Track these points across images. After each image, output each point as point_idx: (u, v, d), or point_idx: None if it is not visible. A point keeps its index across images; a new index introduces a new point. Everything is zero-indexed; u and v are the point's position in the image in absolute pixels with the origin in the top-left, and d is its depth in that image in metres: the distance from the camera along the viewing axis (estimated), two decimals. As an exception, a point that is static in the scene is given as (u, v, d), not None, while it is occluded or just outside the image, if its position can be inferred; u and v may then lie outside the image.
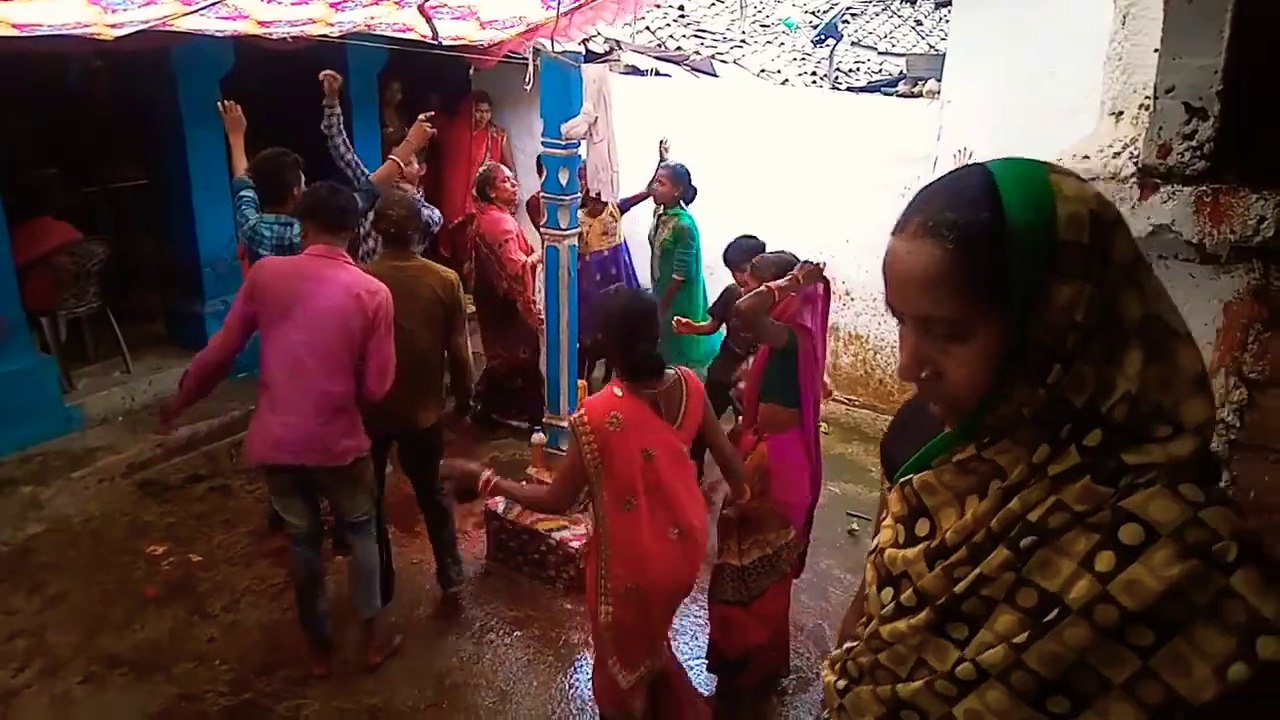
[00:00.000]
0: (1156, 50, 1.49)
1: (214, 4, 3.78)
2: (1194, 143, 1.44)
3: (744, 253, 4.21)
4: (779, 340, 3.14)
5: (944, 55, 5.84)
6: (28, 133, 6.19)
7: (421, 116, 4.42)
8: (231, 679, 3.57)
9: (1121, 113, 1.63)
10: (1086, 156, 1.66)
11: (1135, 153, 1.58)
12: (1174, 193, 1.45)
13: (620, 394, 2.73)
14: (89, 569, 4.21)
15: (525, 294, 5.26)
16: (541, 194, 4.21)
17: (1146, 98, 1.55)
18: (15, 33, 3.47)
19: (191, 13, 3.87)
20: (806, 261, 3.23)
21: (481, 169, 5.57)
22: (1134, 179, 1.56)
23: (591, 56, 6.96)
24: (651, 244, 5.43)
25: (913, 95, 6.21)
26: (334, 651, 3.64)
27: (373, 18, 4.61)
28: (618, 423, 2.66)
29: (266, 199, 4.02)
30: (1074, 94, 3.89)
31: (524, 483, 4.42)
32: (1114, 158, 1.61)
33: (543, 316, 4.51)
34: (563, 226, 4.13)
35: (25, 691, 3.43)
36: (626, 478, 2.68)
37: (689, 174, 5.31)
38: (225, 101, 4.30)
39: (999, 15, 5.06)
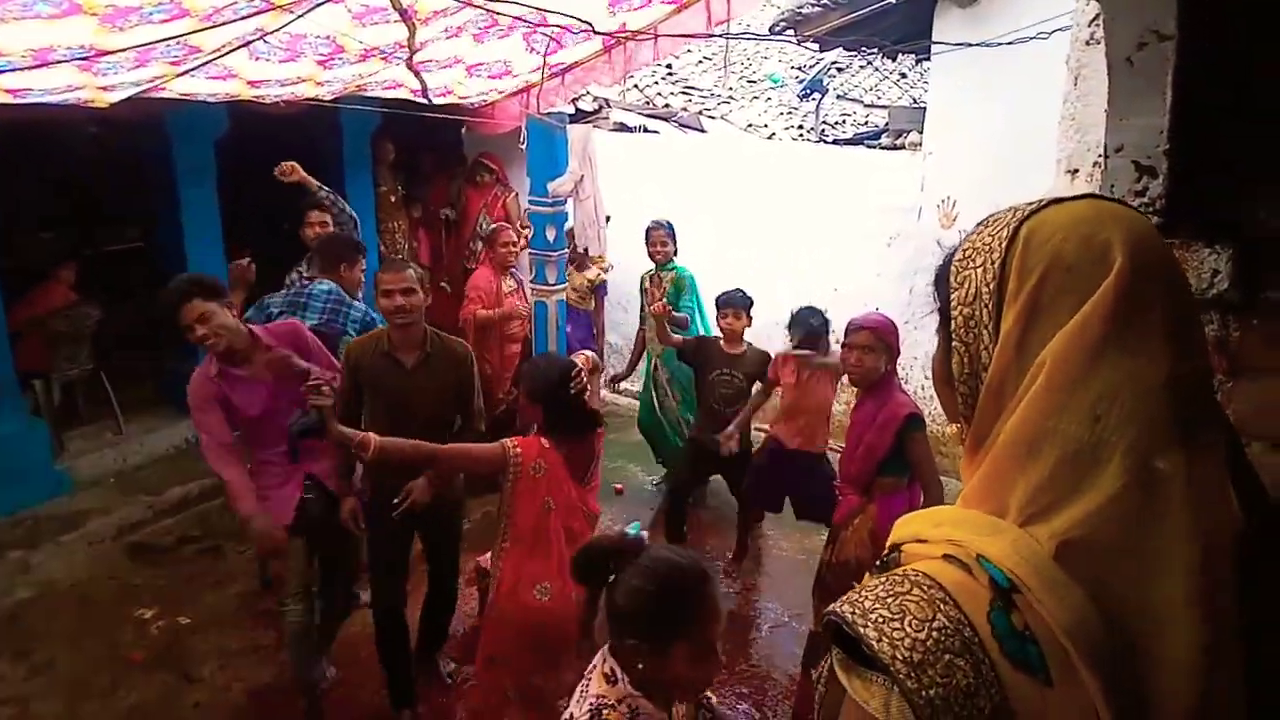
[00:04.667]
0: (1105, 110, 1.54)
1: (204, 64, 3.87)
2: (1146, 199, 1.48)
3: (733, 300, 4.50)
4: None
5: (925, 108, 5.96)
6: (23, 196, 6.28)
7: (241, 262, 4.26)
8: (219, 746, 3.52)
9: (1077, 170, 1.68)
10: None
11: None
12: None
13: (546, 445, 2.92)
14: (76, 635, 4.16)
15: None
16: (529, 250, 4.27)
17: (1099, 156, 1.59)
18: (9, 99, 3.55)
19: (183, 74, 3.96)
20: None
21: (491, 227, 5.63)
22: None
23: (580, 115, 7.10)
24: (644, 302, 5.46)
25: (896, 147, 6.33)
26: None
27: (361, 75, 4.71)
28: (540, 469, 2.88)
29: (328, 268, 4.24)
30: (1047, 147, 3.97)
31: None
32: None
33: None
34: (550, 282, 4.19)
35: (8, 763, 3.38)
36: (525, 520, 2.89)
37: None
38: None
39: (975, 70, 5.18)
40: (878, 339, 3.22)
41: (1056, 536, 0.79)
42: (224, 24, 3.06)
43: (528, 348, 5.44)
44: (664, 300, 5.15)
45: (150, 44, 3.14)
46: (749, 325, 4.65)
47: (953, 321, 0.91)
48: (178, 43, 3.19)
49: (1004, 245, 0.88)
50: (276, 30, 3.43)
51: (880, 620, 0.81)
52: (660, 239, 5.29)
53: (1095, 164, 1.61)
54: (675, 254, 5.39)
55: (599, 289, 5.99)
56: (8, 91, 3.48)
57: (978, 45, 4.87)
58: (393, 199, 7.28)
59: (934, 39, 5.43)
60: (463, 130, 7.11)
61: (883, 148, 6.48)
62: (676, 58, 8.89)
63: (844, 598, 0.86)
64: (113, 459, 5.47)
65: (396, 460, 2.92)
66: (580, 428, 3.05)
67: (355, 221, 4.78)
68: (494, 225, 5.71)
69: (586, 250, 4.73)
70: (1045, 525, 0.80)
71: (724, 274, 5.94)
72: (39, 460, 5.12)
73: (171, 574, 4.70)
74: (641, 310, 5.50)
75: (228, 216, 6.00)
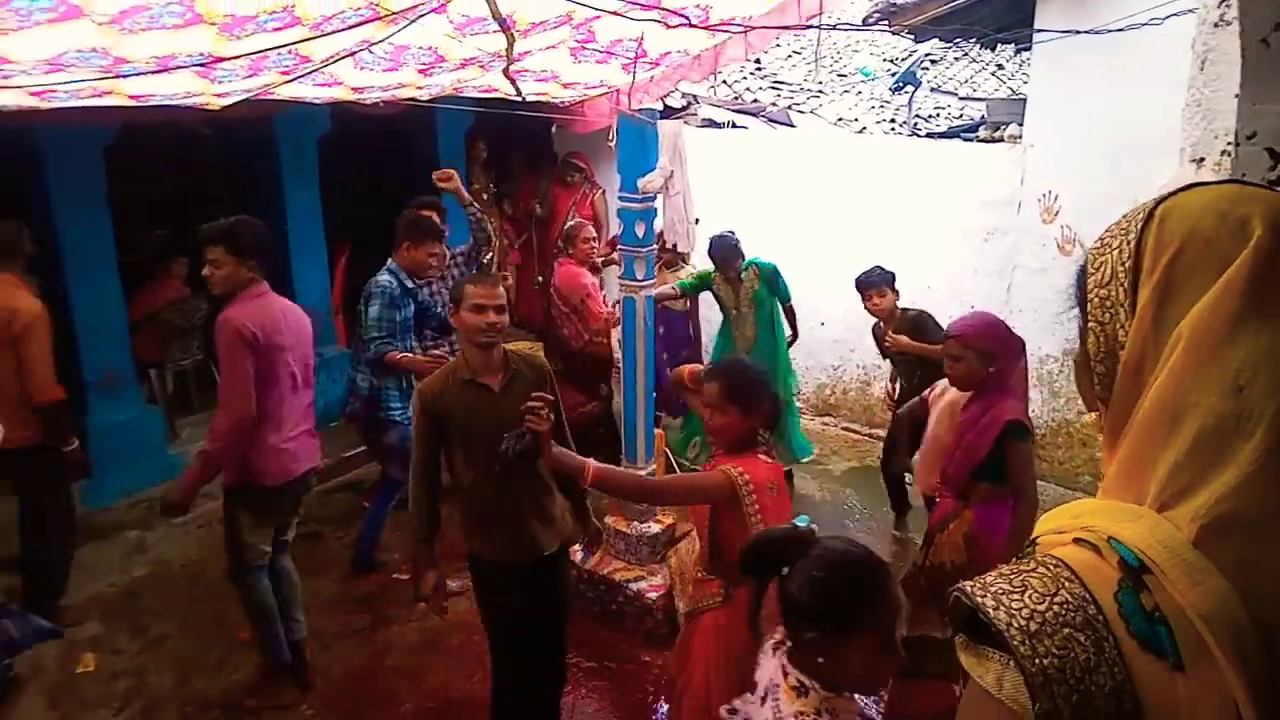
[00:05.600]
0: (1237, 96, 1.46)
1: (312, 72, 4.02)
2: (1280, 189, 1.40)
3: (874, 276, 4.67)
4: None
5: (1025, 100, 5.77)
6: (139, 196, 6.60)
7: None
8: (317, 724, 3.66)
9: (1203, 159, 1.60)
10: (1167, 204, 1.62)
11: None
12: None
13: (768, 461, 2.69)
14: (187, 612, 4.38)
15: (608, 345, 5.34)
16: (619, 246, 4.29)
17: (1228, 144, 1.51)
18: (131, 103, 3.75)
19: (291, 81, 4.12)
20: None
21: (568, 225, 5.70)
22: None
23: (669, 111, 7.10)
24: (728, 309, 5.42)
25: (994, 140, 6.13)
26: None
27: (460, 81, 4.81)
28: (774, 488, 2.62)
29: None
30: (1158, 137, 3.79)
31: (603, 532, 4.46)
32: (1196, 205, 1.57)
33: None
34: (639, 278, 4.19)
35: (125, 731, 3.58)
36: None
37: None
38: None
39: (1079, 59, 4.98)
40: (964, 346, 3.13)
41: (1198, 519, 0.76)
42: (332, 33, 3.16)
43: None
44: (751, 297, 5.15)
45: (263, 51, 3.26)
46: (897, 298, 4.73)
47: (1089, 304, 0.89)
48: (289, 52, 3.31)
49: (1140, 225, 0.86)
50: (381, 41, 3.53)
51: (1000, 592, 0.81)
52: (737, 266, 5.23)
53: (1224, 152, 1.53)
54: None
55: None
56: (131, 96, 3.68)
57: (1085, 32, 4.68)
58: (485, 196, 7.43)
59: (1036, 27, 5.25)
60: (552, 129, 7.19)
61: (980, 140, 6.29)
62: (765, 52, 8.80)
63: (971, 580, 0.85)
64: (220, 446, 5.72)
65: (613, 489, 2.86)
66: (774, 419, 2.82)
67: (489, 237, 4.98)
68: (572, 223, 5.73)
69: (676, 246, 4.72)
70: (1186, 506, 0.77)
71: (814, 271, 5.89)
72: (155, 445, 5.41)
73: (274, 557, 4.89)
74: (723, 308, 5.47)
75: (329, 211, 6.21)
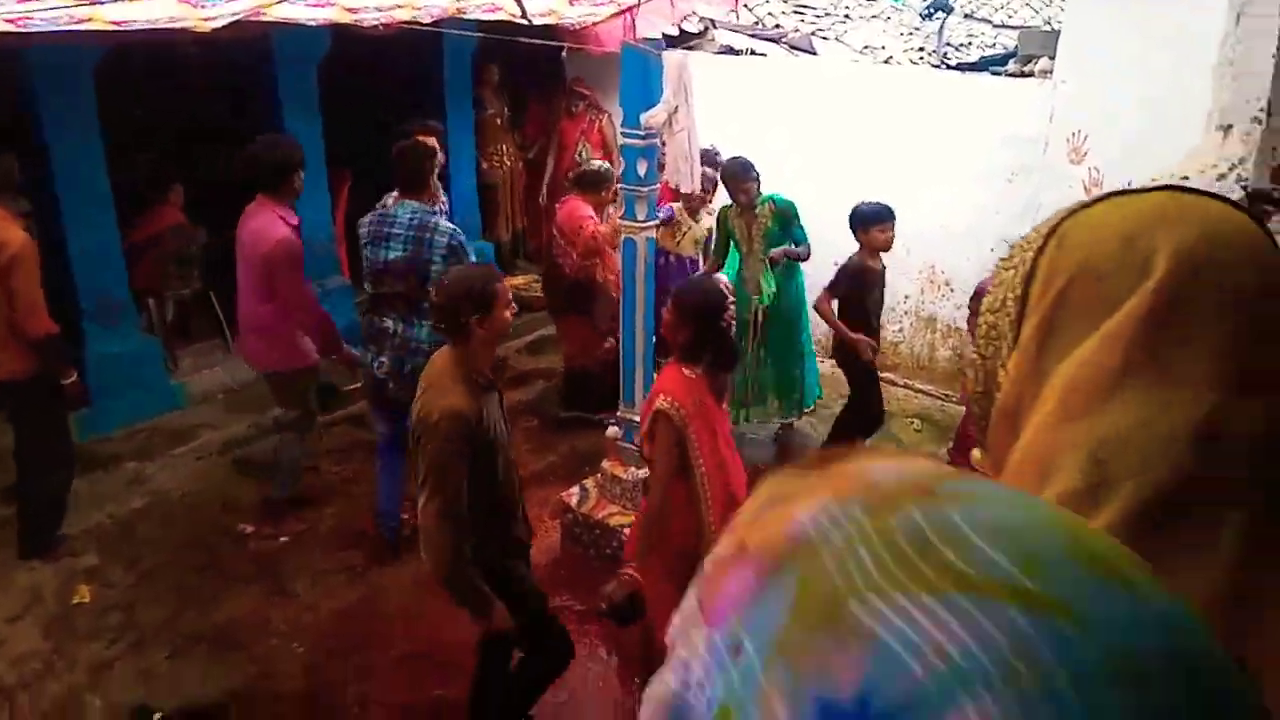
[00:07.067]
0: (1275, 56, 1.28)
1: (302, -7, 3.83)
2: (1314, 166, 1.23)
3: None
4: None
5: (1059, 33, 5.45)
6: (132, 121, 6.45)
7: None
8: (307, 661, 3.67)
9: (1230, 126, 1.43)
10: (1186, 177, 1.45)
11: (1244, 175, 1.37)
12: (1286, 224, 1.25)
13: (693, 375, 2.87)
14: (183, 545, 4.39)
15: (604, 266, 5.17)
16: (619, 185, 4.12)
17: (1260, 110, 1.34)
18: (111, 28, 3.60)
19: (281, 1, 3.94)
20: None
21: (599, 166, 5.47)
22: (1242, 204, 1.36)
23: (686, 36, 6.80)
24: (739, 244, 5.20)
25: (1024, 74, 5.83)
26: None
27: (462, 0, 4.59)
28: (699, 402, 2.82)
29: (410, 186, 4.11)
30: (1195, 76, 3.54)
31: (599, 476, 4.42)
32: (1218, 180, 1.41)
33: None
34: (640, 218, 4.03)
35: (116, 664, 3.62)
36: (709, 458, 2.85)
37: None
38: None
39: (1120, -7, 4.67)
40: None
41: None
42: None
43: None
44: (763, 235, 4.97)
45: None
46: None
47: (977, 331, 0.76)
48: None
49: (1038, 245, 0.71)
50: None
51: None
52: (745, 189, 4.97)
53: (1254, 119, 1.36)
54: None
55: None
56: (111, 22, 3.53)
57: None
58: (499, 121, 7.23)
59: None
60: (563, 54, 6.92)
61: (1009, 75, 5.98)
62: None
63: None
64: (221, 376, 5.70)
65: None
66: (728, 361, 3.08)
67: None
68: (599, 165, 5.48)
69: (678, 186, 4.51)
70: None
71: (825, 208, 5.66)
72: (154, 375, 5.37)
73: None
74: (735, 244, 5.27)
75: (330, 138, 6.04)
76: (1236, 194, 1.37)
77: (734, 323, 3.05)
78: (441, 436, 2.57)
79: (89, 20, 3.49)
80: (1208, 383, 0.62)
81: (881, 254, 4.73)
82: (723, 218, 5.22)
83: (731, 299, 3.05)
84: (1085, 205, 0.71)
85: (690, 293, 3.04)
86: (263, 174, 4.06)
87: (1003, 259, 0.76)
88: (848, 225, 4.70)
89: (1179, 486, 0.61)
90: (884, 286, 4.84)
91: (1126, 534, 0.60)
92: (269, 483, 4.71)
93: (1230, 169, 1.36)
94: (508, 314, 2.76)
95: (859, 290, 4.70)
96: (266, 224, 4.02)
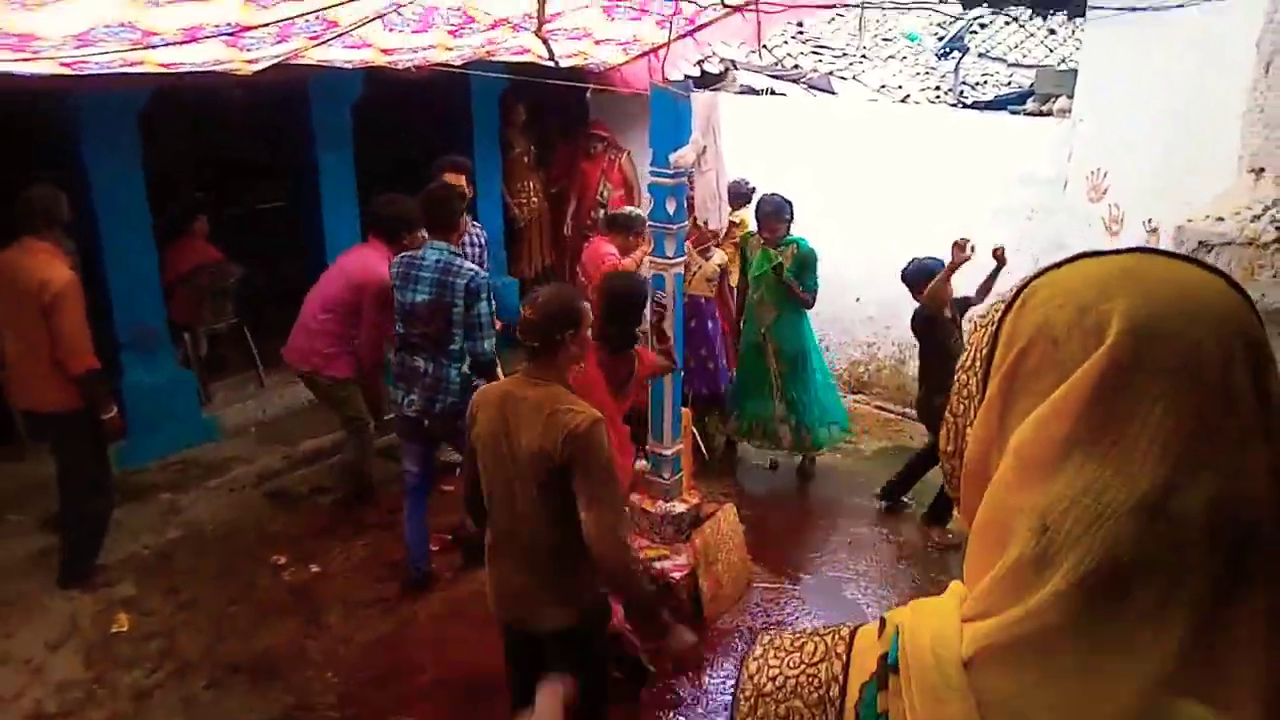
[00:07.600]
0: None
1: (341, 35, 3.97)
2: (1347, 214, 1.31)
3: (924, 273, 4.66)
4: None
5: (1076, 71, 5.56)
6: (175, 158, 6.62)
7: None
8: (342, 691, 3.72)
9: (1263, 170, 1.50)
10: (1221, 218, 1.53)
11: (1278, 216, 1.45)
12: (1322, 267, 1.32)
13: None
14: (219, 575, 4.46)
15: None
16: (649, 222, 4.23)
17: (1293, 158, 1.42)
18: (161, 70, 3.74)
19: (320, 44, 4.09)
20: None
21: (630, 211, 5.47)
22: (1275, 245, 1.43)
23: (706, 77, 6.94)
24: (754, 277, 5.30)
25: (1042, 113, 5.93)
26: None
27: (491, 42, 4.74)
28: (580, 368, 3.14)
29: (438, 227, 4.13)
30: (1219, 117, 3.63)
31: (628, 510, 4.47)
32: (1253, 221, 1.48)
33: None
34: (669, 255, 4.12)
35: (156, 692, 3.67)
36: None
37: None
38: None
39: (1137, 30, 4.77)
40: None
41: (978, 642, 0.67)
42: (359, -2, 3.11)
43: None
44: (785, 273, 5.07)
45: (291, 19, 3.22)
46: None
47: (953, 387, 0.78)
48: (316, 18, 3.27)
49: (1005, 306, 0.72)
50: (410, 3, 3.47)
51: (778, 647, 0.80)
52: (776, 229, 5.10)
53: (1287, 166, 1.44)
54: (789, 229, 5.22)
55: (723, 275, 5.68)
56: (161, 65, 3.67)
57: (1143, 10, 4.47)
58: (525, 159, 7.36)
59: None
60: (587, 95, 7.08)
61: (1026, 113, 6.08)
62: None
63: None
64: (254, 409, 5.80)
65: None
66: (622, 344, 3.57)
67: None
68: (634, 212, 5.51)
69: (707, 223, 4.62)
70: (979, 626, 0.68)
71: (845, 246, 5.78)
72: (188, 408, 5.47)
73: (305, 523, 4.96)
74: (744, 271, 5.37)
75: (362, 175, 6.19)
76: (1271, 234, 1.45)
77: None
78: (600, 444, 2.50)
79: (141, 63, 3.63)
80: (1155, 456, 0.61)
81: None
82: (743, 244, 5.35)
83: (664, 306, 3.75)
84: (1055, 266, 0.72)
85: (617, 278, 3.75)
86: (379, 223, 4.73)
87: (980, 315, 0.78)
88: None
89: (1123, 561, 0.61)
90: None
91: (1070, 606, 0.62)
92: (301, 515, 4.79)
93: (1264, 210, 1.44)
94: (589, 333, 2.82)
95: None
96: (376, 262, 4.53)
